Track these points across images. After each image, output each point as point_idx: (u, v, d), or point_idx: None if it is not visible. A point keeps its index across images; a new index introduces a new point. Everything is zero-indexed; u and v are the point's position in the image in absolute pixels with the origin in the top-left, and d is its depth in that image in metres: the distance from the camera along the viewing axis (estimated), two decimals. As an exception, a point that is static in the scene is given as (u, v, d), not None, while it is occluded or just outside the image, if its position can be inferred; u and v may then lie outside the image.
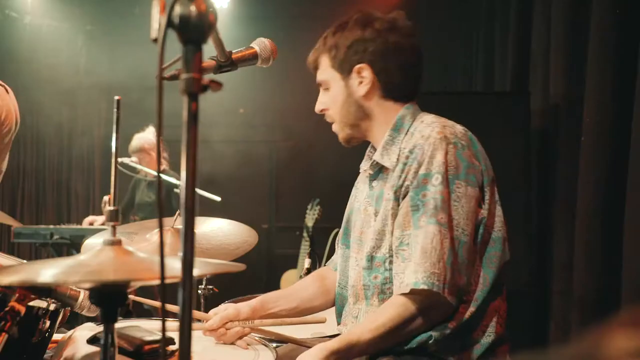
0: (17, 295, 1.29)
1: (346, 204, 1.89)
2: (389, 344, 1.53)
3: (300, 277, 2.44)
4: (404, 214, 1.54)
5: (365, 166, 1.78)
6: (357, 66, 1.65)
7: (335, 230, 1.99)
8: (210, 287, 3.08)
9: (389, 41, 1.65)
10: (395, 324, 1.48)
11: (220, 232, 2.46)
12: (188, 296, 0.77)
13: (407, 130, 1.64)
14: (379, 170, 1.70)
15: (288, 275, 5.55)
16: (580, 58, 2.47)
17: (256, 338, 1.70)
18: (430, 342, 1.53)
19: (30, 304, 1.33)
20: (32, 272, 0.98)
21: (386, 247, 1.59)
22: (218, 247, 2.25)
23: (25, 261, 1.66)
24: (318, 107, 1.76)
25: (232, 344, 1.66)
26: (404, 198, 1.56)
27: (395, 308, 1.49)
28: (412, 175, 1.54)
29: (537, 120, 2.96)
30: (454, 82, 4.91)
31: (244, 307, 1.73)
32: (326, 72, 1.71)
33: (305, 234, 5.11)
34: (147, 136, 4.86)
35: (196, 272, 0.92)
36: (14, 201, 6.42)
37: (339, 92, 1.69)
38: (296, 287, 1.95)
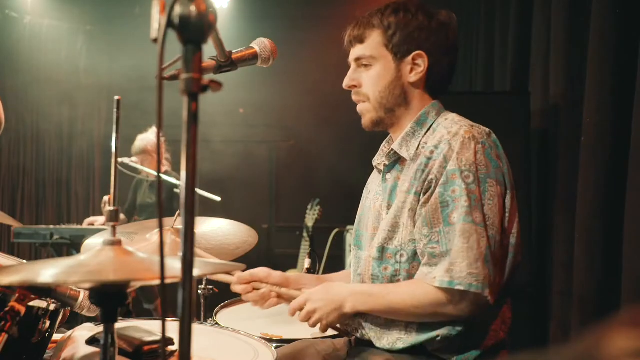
0: (17, 295, 1.29)
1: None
2: (404, 319, 1.57)
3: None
4: (432, 211, 1.51)
5: (379, 160, 1.78)
6: (416, 52, 1.64)
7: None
8: (210, 287, 3.08)
9: (449, 37, 1.67)
10: (423, 313, 1.51)
11: (220, 232, 2.46)
12: (188, 296, 0.77)
13: (430, 126, 1.65)
14: (395, 162, 1.70)
15: (290, 273, 5.54)
16: (580, 58, 2.46)
17: (256, 337, 1.70)
18: (437, 340, 1.53)
19: (30, 304, 1.33)
20: (32, 272, 0.98)
21: (399, 240, 1.58)
22: (218, 247, 2.25)
23: (25, 261, 1.67)
24: (348, 83, 1.71)
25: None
26: (425, 193, 1.54)
27: (429, 299, 1.49)
28: (438, 169, 1.52)
29: (537, 120, 2.96)
30: (454, 82, 4.91)
31: (277, 273, 1.83)
32: (375, 49, 1.66)
33: (305, 234, 5.12)
34: (149, 137, 4.86)
35: (196, 272, 0.92)
36: (14, 201, 6.42)
37: (386, 72, 1.66)
38: (334, 276, 1.99)
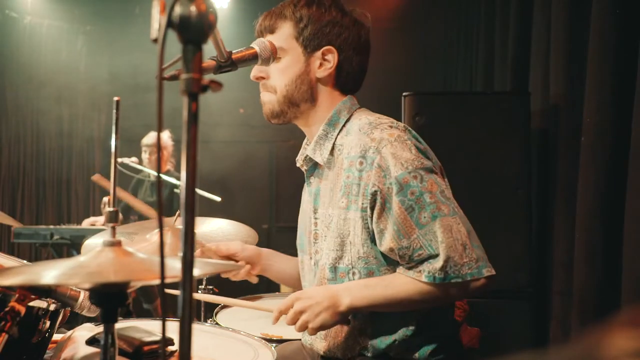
0: (17, 295, 1.29)
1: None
2: (404, 309, 1.54)
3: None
4: (401, 221, 1.46)
5: (300, 160, 1.75)
6: (326, 48, 1.60)
7: None
8: (211, 287, 3.08)
9: (360, 35, 1.64)
10: (429, 299, 1.48)
11: (221, 232, 2.46)
12: (188, 296, 0.77)
13: (343, 126, 1.62)
14: (314, 166, 1.68)
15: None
16: (581, 58, 2.46)
17: (256, 337, 1.70)
18: (395, 344, 1.54)
19: (31, 304, 1.33)
20: (33, 273, 0.98)
21: (349, 259, 1.55)
22: (218, 247, 2.24)
23: (25, 262, 1.67)
24: (256, 74, 1.67)
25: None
26: (373, 207, 1.49)
27: (426, 290, 1.46)
28: (378, 179, 1.47)
29: (537, 120, 2.96)
30: (454, 82, 4.91)
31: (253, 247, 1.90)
32: (285, 40, 1.62)
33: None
34: (162, 135, 4.90)
35: (196, 272, 0.92)
36: (14, 201, 6.42)
37: (294, 66, 1.62)
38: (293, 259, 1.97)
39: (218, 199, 3.97)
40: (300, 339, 1.81)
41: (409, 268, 1.49)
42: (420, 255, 1.45)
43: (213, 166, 5.69)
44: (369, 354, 1.56)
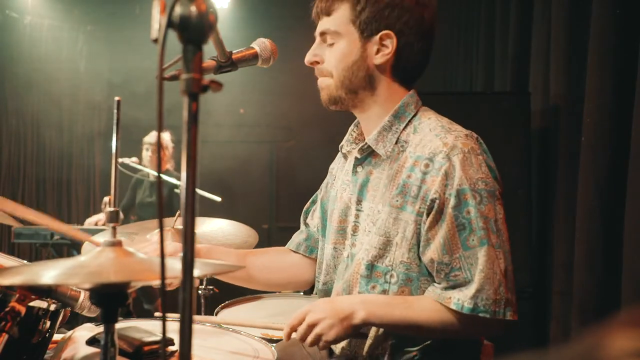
0: (17, 295, 1.29)
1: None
2: (421, 334, 1.50)
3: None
4: (450, 236, 1.40)
5: (348, 147, 1.67)
6: (384, 32, 1.50)
7: (306, 207, 1.90)
8: (211, 287, 3.08)
9: (424, 18, 1.52)
10: (449, 330, 1.43)
11: (221, 232, 2.46)
12: (188, 297, 0.77)
13: (409, 121, 1.54)
14: (368, 155, 1.58)
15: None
16: (581, 58, 2.46)
17: (256, 337, 1.70)
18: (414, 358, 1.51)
19: (31, 304, 1.33)
20: (33, 273, 0.98)
21: (390, 260, 1.48)
22: (218, 248, 2.24)
23: (26, 262, 1.67)
24: (310, 59, 1.59)
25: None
26: (429, 214, 1.43)
27: (449, 319, 1.41)
28: (440, 187, 1.41)
29: (537, 120, 2.96)
30: (454, 82, 4.91)
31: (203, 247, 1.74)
32: (341, 24, 1.53)
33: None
34: (164, 135, 4.95)
35: (196, 272, 0.92)
36: (14, 201, 6.42)
37: (350, 51, 1.53)
38: (256, 254, 1.88)
39: (218, 199, 3.97)
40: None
41: (441, 289, 1.43)
42: (456, 276, 1.40)
43: (213, 166, 5.69)
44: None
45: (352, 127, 1.70)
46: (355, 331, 1.43)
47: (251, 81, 5.28)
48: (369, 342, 1.54)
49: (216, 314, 2.12)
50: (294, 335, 1.47)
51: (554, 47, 2.73)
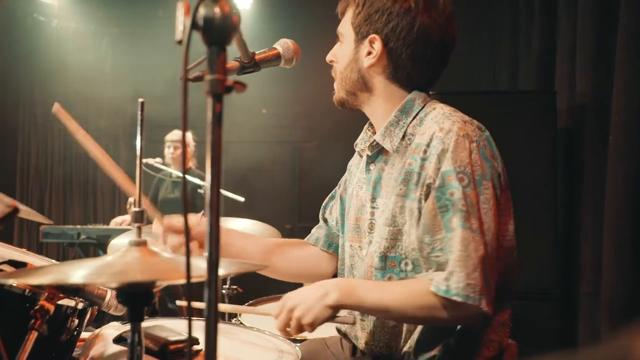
0: (46, 294, 1.31)
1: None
2: (397, 321, 1.48)
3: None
4: (431, 217, 1.41)
5: (362, 145, 1.68)
6: (372, 36, 1.53)
7: (325, 202, 1.90)
8: (235, 287, 3.10)
9: (414, 23, 1.50)
10: (418, 316, 1.41)
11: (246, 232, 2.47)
12: (214, 296, 0.77)
13: (416, 115, 1.54)
14: (379, 152, 1.59)
15: (311, 276, 5.54)
16: (608, 55, 2.43)
17: (280, 337, 1.70)
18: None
19: (59, 302, 1.35)
20: (62, 272, 1.00)
21: (402, 248, 1.49)
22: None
23: (54, 261, 1.69)
24: (328, 57, 1.65)
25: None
26: (425, 199, 1.44)
27: (426, 301, 1.38)
28: (433, 171, 1.42)
29: (563, 119, 2.92)
30: (478, 81, 4.87)
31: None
32: (345, 26, 1.59)
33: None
34: (187, 133, 5.00)
35: (221, 271, 0.93)
36: (42, 202, 6.54)
37: (347, 52, 1.59)
38: (267, 242, 1.89)
39: (242, 199, 3.99)
40: (323, 338, 1.80)
41: (427, 272, 1.43)
42: (437, 257, 1.39)
43: (236, 166, 5.72)
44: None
45: (366, 125, 1.71)
46: (333, 313, 1.41)
47: (274, 82, 5.29)
48: (390, 337, 1.53)
49: (240, 314, 2.13)
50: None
51: (581, 44, 2.69)
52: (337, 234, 1.82)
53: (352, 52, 1.57)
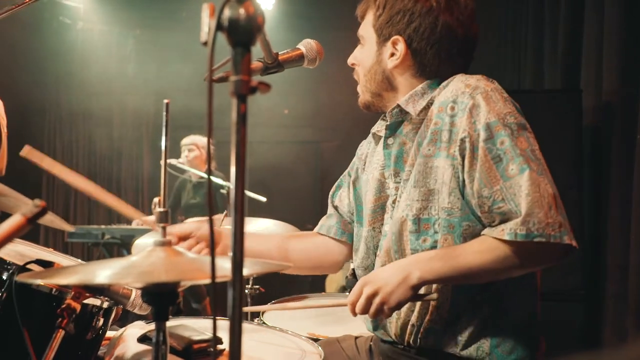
0: (72, 293, 1.33)
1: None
2: (481, 282, 1.45)
3: (346, 277, 2.44)
4: (486, 169, 1.37)
5: (378, 127, 1.66)
6: (394, 37, 1.54)
7: (332, 191, 1.90)
8: (257, 286, 3.11)
9: (437, 22, 1.51)
10: (504, 268, 1.38)
11: (267, 232, 2.48)
12: (238, 296, 0.78)
13: (441, 87, 1.52)
14: (397, 126, 1.58)
15: (333, 276, 5.55)
16: (635, 53, 2.39)
17: (303, 337, 1.70)
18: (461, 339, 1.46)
19: (85, 301, 1.37)
20: (88, 272, 1.01)
21: (435, 208, 1.45)
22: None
23: (80, 261, 1.72)
24: (350, 60, 1.66)
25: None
26: (463, 154, 1.41)
27: (507, 253, 1.35)
28: (467, 125, 1.40)
29: (589, 118, 2.87)
30: (503, 79, 4.81)
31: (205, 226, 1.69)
32: (367, 28, 1.60)
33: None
34: (199, 136, 5.06)
35: (245, 271, 0.93)
36: (67, 202, 6.64)
37: (370, 55, 1.59)
38: (277, 238, 1.88)
39: (264, 199, 4.00)
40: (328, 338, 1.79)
41: (491, 226, 1.40)
42: (500, 208, 1.36)
43: (258, 166, 5.74)
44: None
45: (382, 117, 1.69)
46: (415, 292, 1.40)
47: (296, 82, 5.30)
48: (415, 329, 1.50)
49: (262, 314, 2.14)
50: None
51: (607, 42, 2.65)
52: (348, 221, 1.82)
53: (374, 54, 1.58)
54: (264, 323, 1.99)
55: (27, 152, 1.31)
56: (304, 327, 1.93)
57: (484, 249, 1.38)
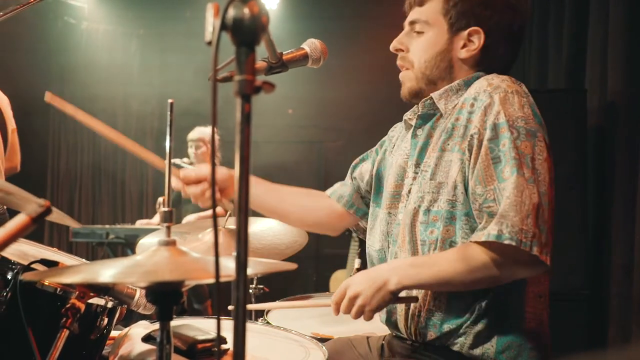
0: (77, 292, 1.33)
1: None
2: (458, 289, 1.47)
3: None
4: (484, 168, 1.40)
5: (410, 114, 1.67)
6: (473, 28, 1.54)
7: (355, 162, 1.92)
8: (261, 286, 3.11)
9: (514, 22, 1.55)
10: (477, 279, 1.40)
11: (271, 232, 2.47)
12: (242, 296, 0.78)
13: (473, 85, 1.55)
14: (428, 117, 1.60)
15: (337, 275, 5.55)
16: (640, 53, 2.38)
17: (307, 337, 1.70)
18: (460, 334, 1.47)
19: (90, 301, 1.37)
20: (92, 271, 1.01)
21: (444, 201, 1.48)
22: (268, 247, 2.26)
23: (84, 260, 1.72)
24: (396, 45, 1.63)
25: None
26: (470, 150, 1.44)
27: (480, 260, 1.38)
28: (479, 122, 1.43)
29: (593, 118, 2.87)
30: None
31: (222, 170, 1.77)
32: (432, 15, 1.57)
33: (354, 234, 5.11)
34: (207, 130, 5.03)
35: (250, 271, 0.93)
36: (71, 202, 6.65)
37: (436, 42, 1.57)
38: (291, 191, 1.92)
39: (268, 199, 4.00)
40: (337, 338, 1.79)
41: (480, 229, 1.40)
42: (489, 207, 1.38)
43: (262, 166, 5.74)
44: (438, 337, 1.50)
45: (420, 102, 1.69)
46: (395, 296, 1.45)
47: (300, 82, 5.30)
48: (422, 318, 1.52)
49: (267, 314, 2.14)
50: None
51: (612, 41, 2.64)
52: (361, 195, 1.84)
53: (444, 42, 1.57)
54: (268, 323, 1.99)
55: (50, 98, 1.39)
56: (308, 327, 1.93)
57: (458, 258, 1.41)
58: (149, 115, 6.75)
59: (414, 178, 1.58)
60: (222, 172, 1.77)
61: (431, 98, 1.58)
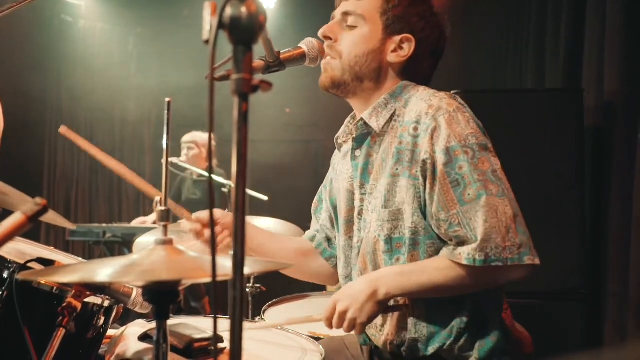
0: (73, 291, 1.33)
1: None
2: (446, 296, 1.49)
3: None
4: (443, 193, 1.42)
5: (343, 137, 1.69)
6: (406, 35, 1.55)
7: (314, 207, 1.94)
8: (258, 285, 3.11)
9: (440, 40, 1.60)
10: (466, 285, 1.43)
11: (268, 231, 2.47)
12: (239, 295, 0.78)
13: (404, 99, 1.56)
14: (365, 136, 1.61)
15: (334, 274, 5.55)
16: (637, 52, 2.38)
17: (304, 336, 1.70)
18: (446, 341, 1.49)
19: (86, 300, 1.37)
20: (89, 270, 1.01)
21: (404, 227, 1.49)
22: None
23: (81, 259, 1.72)
24: (326, 32, 1.59)
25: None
26: (425, 176, 1.45)
27: (464, 273, 1.41)
28: (428, 147, 1.43)
29: (590, 117, 2.87)
30: (504, 79, 4.81)
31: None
32: (369, 11, 1.56)
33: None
34: (199, 133, 5.05)
35: (246, 270, 0.93)
36: (68, 201, 6.64)
37: (370, 39, 1.56)
38: (283, 241, 1.94)
39: (265, 198, 4.01)
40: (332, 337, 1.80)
41: (452, 247, 1.44)
42: (455, 232, 1.41)
43: (259, 165, 5.74)
44: (423, 348, 1.52)
45: (348, 119, 1.73)
46: (384, 306, 1.47)
47: (298, 81, 5.30)
48: (398, 330, 1.54)
49: (263, 313, 2.14)
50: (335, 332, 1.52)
51: (609, 41, 2.64)
52: (330, 236, 1.86)
53: (378, 42, 1.56)
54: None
55: (64, 131, 1.43)
56: (305, 326, 1.93)
57: (446, 266, 1.44)
58: (146, 113, 6.74)
59: (362, 199, 1.61)
60: (231, 216, 1.77)
61: (362, 119, 1.59)
